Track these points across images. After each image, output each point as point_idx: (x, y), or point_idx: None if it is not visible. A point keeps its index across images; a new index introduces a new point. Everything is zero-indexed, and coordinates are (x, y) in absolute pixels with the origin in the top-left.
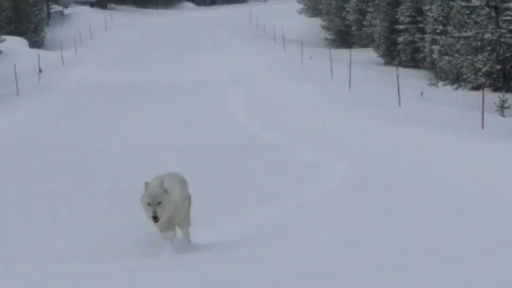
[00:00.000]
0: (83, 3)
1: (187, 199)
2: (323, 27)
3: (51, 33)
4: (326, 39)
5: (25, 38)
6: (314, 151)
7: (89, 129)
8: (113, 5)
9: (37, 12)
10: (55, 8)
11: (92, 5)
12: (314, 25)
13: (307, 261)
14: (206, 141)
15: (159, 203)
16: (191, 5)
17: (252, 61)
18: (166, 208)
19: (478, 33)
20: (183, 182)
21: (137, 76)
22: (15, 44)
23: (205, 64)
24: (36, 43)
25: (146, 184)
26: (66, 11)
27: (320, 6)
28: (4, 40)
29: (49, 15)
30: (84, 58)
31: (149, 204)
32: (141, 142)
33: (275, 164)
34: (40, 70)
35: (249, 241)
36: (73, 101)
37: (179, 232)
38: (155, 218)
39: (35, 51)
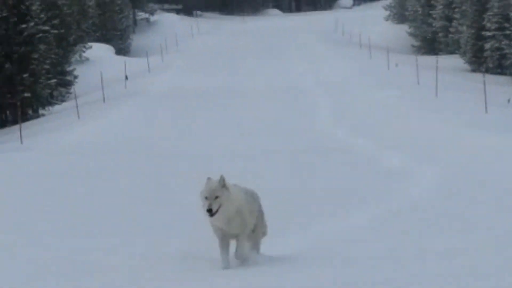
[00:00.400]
0: (169, 10)
1: (256, 213)
2: (410, 34)
3: (137, 40)
4: (413, 46)
5: (112, 45)
6: (400, 157)
7: (173, 134)
8: (199, 12)
9: (123, 19)
10: (141, 15)
11: (178, 12)
12: (400, 32)
13: (397, 269)
14: (291, 145)
15: (216, 197)
16: (277, 11)
17: (338, 67)
18: (224, 204)
19: None
20: (250, 195)
21: (222, 81)
22: (102, 51)
23: (291, 70)
24: (122, 50)
25: (208, 179)
26: (152, 18)
27: (407, 13)
28: (91, 47)
29: (135, 22)
30: (170, 65)
31: (206, 198)
32: (225, 147)
33: (361, 170)
34: (126, 77)
35: (331, 249)
36: (158, 107)
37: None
38: (210, 211)
39: (121, 58)
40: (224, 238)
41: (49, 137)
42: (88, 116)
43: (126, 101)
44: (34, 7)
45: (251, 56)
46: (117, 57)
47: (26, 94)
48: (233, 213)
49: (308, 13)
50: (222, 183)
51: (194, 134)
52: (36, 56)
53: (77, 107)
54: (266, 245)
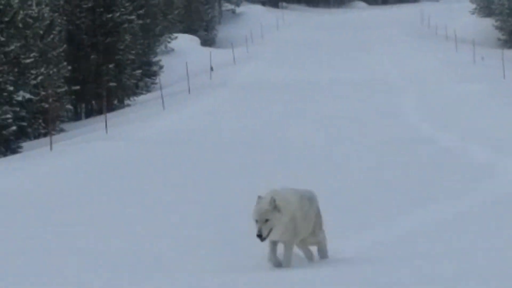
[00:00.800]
0: (254, 2)
1: (313, 216)
2: (496, 27)
3: (223, 31)
4: (499, 39)
5: (197, 36)
6: (486, 151)
7: (256, 125)
8: (284, 4)
9: (209, 10)
10: (227, 6)
11: (264, 3)
12: (486, 25)
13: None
14: (375, 137)
15: (267, 220)
16: (363, 4)
17: (424, 60)
18: (276, 226)
19: None
20: (307, 199)
21: (307, 74)
22: (187, 42)
23: (376, 63)
24: (207, 41)
25: (259, 198)
26: (238, 10)
27: (493, 6)
28: (176, 37)
29: (221, 13)
30: (255, 56)
31: (256, 221)
32: (307, 138)
33: (446, 163)
34: (211, 68)
35: (413, 243)
36: (243, 98)
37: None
38: (260, 237)
39: (207, 49)
40: (274, 243)
41: (134, 127)
42: (173, 106)
43: (211, 92)
44: None
45: (335, 48)
46: (202, 48)
47: (111, 84)
48: (285, 230)
49: (394, 5)
50: (273, 204)
51: (277, 125)
52: (121, 46)
53: (162, 97)
54: (351, 240)
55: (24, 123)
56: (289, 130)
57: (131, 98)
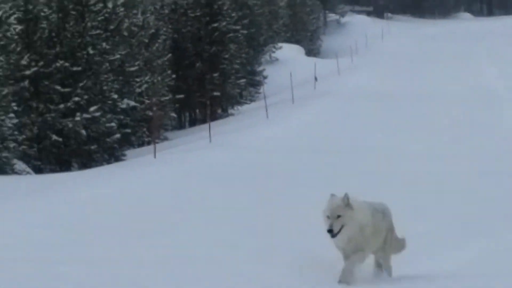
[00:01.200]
0: (359, 12)
1: (384, 230)
2: None
3: (327, 41)
4: None
5: (302, 46)
6: None
7: (360, 134)
8: (390, 14)
9: (314, 20)
10: (332, 17)
11: (369, 14)
12: None
13: None
14: (482, 148)
15: (339, 216)
16: (468, 15)
17: None
18: (347, 224)
19: None
20: (381, 212)
21: (411, 85)
22: (292, 51)
23: (481, 74)
24: (312, 51)
25: (332, 195)
26: (343, 20)
27: None
28: (281, 47)
29: (325, 23)
30: (359, 67)
31: (328, 217)
32: (408, 151)
33: None
34: (316, 78)
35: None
36: (347, 108)
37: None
38: (331, 232)
39: (311, 59)
40: (346, 255)
41: (238, 135)
42: (276, 116)
43: (315, 102)
44: (225, 7)
45: (440, 59)
46: (307, 58)
47: (215, 93)
48: (355, 233)
49: (499, 17)
50: (346, 201)
51: (379, 136)
52: (226, 55)
53: (266, 107)
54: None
55: (128, 131)
56: (392, 141)
57: (235, 107)
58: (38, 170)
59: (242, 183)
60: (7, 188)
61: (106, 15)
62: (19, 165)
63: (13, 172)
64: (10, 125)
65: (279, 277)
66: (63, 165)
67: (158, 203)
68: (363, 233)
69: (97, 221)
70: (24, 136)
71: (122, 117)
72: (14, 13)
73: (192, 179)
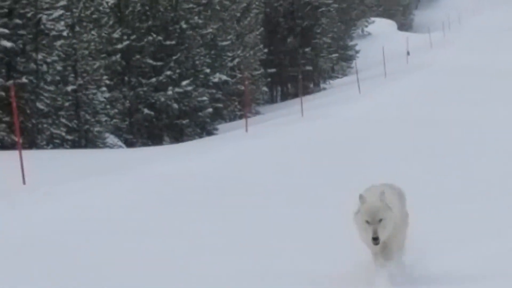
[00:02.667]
0: None
1: (405, 217)
2: None
3: (419, 16)
4: None
5: (394, 20)
6: None
7: (450, 111)
8: None
9: None
10: None
11: None
12: None
13: None
14: None
15: (380, 220)
16: None
17: None
18: (388, 227)
19: None
20: (401, 196)
21: (505, 59)
22: (384, 26)
23: None
24: (404, 25)
25: (361, 197)
26: None
27: None
28: (373, 22)
29: None
30: (451, 41)
31: (367, 222)
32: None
33: None
34: (408, 53)
35: None
36: (440, 83)
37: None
38: (376, 240)
39: (403, 34)
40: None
41: (329, 110)
42: (368, 90)
43: (407, 76)
44: None
45: None
46: (399, 33)
47: (307, 68)
48: (392, 235)
49: None
50: (385, 202)
51: (471, 113)
52: (318, 30)
53: (358, 81)
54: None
55: (220, 105)
56: (485, 119)
57: (327, 82)
58: (129, 144)
59: (334, 157)
60: (99, 162)
61: None
62: (111, 139)
63: (105, 146)
64: (102, 99)
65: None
66: (154, 139)
67: (250, 178)
68: (396, 226)
69: (188, 195)
70: (116, 110)
71: (214, 91)
72: None
73: (284, 153)
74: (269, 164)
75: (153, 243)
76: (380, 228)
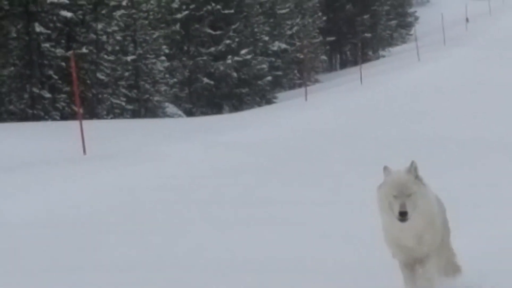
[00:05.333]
0: None
1: (446, 223)
2: None
3: None
4: None
5: None
6: None
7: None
8: None
9: None
10: None
11: None
12: None
13: None
14: None
15: (410, 195)
16: None
17: None
18: (420, 204)
19: None
20: (439, 201)
21: None
22: None
23: None
24: None
25: (386, 169)
26: None
27: None
28: None
29: None
30: (511, 7)
31: (394, 196)
32: None
33: None
34: (467, 19)
35: None
36: (500, 49)
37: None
38: (404, 215)
39: (462, 1)
40: (409, 263)
41: (389, 77)
42: (427, 57)
43: (466, 43)
44: None
45: None
46: (458, 0)
47: (366, 35)
48: (430, 220)
49: None
50: (415, 174)
51: None
52: None
53: (417, 48)
54: None
55: (279, 73)
56: None
57: (386, 49)
58: (189, 113)
59: (394, 124)
60: (159, 131)
61: None
62: (170, 108)
63: (165, 115)
64: (161, 68)
65: None
66: (214, 108)
67: (312, 145)
68: (433, 223)
69: (248, 163)
70: (175, 80)
71: (273, 59)
72: None
73: (343, 121)
74: (330, 132)
75: (223, 211)
76: (409, 203)
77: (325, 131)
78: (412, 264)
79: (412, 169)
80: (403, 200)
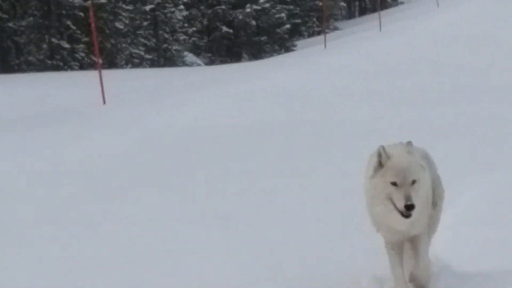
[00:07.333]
0: None
1: (441, 192)
2: None
3: None
4: None
5: None
6: None
7: None
8: None
9: None
10: None
11: None
12: None
13: None
14: None
15: (413, 182)
16: None
17: None
18: (421, 195)
19: None
20: (429, 160)
21: None
22: None
23: None
24: None
25: (384, 151)
26: None
27: None
28: None
29: None
30: None
31: (395, 184)
32: None
33: None
34: None
35: None
36: None
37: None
38: (411, 209)
39: None
40: (396, 243)
41: (408, 24)
42: (448, 3)
43: None
44: None
45: None
46: None
47: None
48: (424, 207)
49: None
50: (415, 158)
51: None
52: None
53: None
54: None
55: (298, 21)
56: None
57: None
58: (208, 62)
59: (412, 74)
60: (179, 80)
61: None
62: (190, 57)
63: (184, 64)
64: (180, 17)
65: None
66: (233, 57)
67: (334, 90)
68: (428, 201)
69: (266, 111)
70: (194, 28)
71: (291, 7)
72: None
73: (362, 69)
74: (350, 78)
75: (248, 163)
76: (414, 193)
77: (345, 78)
78: (402, 244)
79: (411, 150)
80: (408, 190)
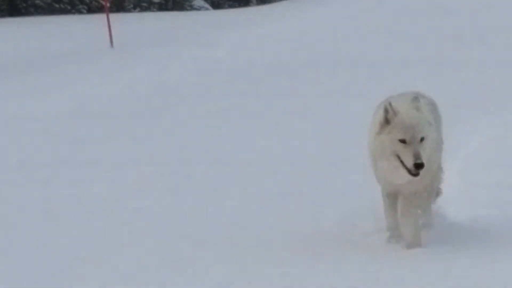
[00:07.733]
0: None
1: (440, 144)
2: None
3: None
4: None
5: None
6: None
7: None
8: None
9: None
10: None
11: None
12: None
13: None
14: None
15: (422, 139)
16: None
17: None
18: (427, 152)
19: None
20: (434, 110)
21: None
22: None
23: None
24: None
25: (391, 106)
26: None
27: None
28: None
29: None
30: None
31: (403, 141)
32: None
33: None
34: None
35: None
36: None
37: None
38: (420, 167)
39: None
40: (393, 192)
41: None
42: None
43: None
44: None
45: None
46: None
47: None
48: (428, 165)
49: None
50: (423, 112)
51: None
52: None
53: None
54: None
55: None
56: None
57: None
58: (216, 6)
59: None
60: (187, 25)
61: None
62: (198, 1)
63: (192, 8)
64: None
65: None
66: (241, 1)
67: (335, 40)
68: (433, 165)
69: (274, 57)
70: None
71: None
72: None
73: (366, 18)
74: (370, 17)
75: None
76: (422, 151)
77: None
78: (396, 193)
79: (418, 105)
80: (417, 148)
